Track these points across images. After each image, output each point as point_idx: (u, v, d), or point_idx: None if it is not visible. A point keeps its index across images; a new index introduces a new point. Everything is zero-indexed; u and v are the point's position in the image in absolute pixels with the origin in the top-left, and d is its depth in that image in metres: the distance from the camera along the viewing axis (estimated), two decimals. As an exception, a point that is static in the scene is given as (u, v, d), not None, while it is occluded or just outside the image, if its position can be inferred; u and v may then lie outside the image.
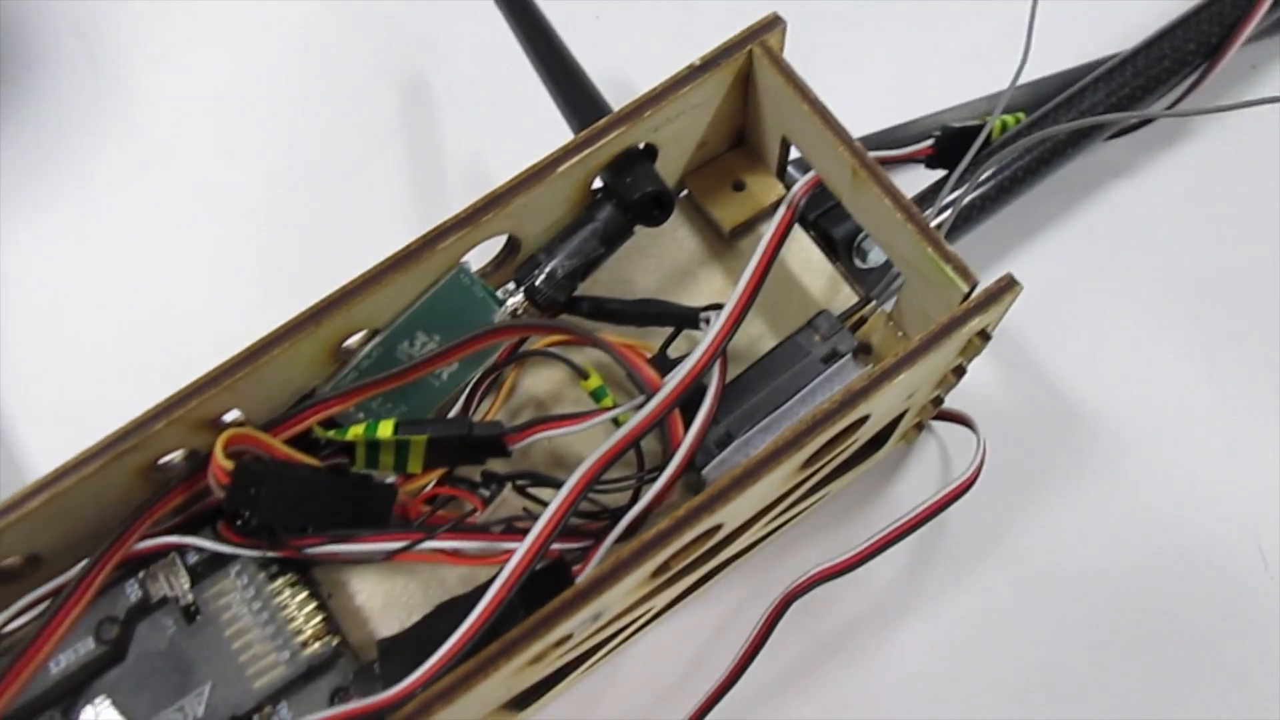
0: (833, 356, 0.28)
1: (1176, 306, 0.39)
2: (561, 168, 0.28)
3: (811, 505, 0.34)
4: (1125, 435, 0.37)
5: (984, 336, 0.27)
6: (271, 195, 0.42)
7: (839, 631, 0.35)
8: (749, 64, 0.29)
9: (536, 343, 0.30)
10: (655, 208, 0.29)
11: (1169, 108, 0.38)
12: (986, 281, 0.26)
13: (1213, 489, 0.36)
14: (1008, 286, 0.26)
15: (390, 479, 0.29)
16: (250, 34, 0.45)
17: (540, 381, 0.32)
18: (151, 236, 0.42)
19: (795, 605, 0.31)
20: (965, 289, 0.26)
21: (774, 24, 0.29)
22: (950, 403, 0.34)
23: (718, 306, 0.28)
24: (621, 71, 0.42)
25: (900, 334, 0.31)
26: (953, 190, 0.33)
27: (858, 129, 0.40)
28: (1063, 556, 0.36)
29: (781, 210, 0.29)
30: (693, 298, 0.32)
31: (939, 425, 0.37)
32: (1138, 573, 0.35)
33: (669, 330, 0.30)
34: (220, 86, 0.44)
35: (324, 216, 0.42)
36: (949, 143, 0.36)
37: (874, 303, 0.30)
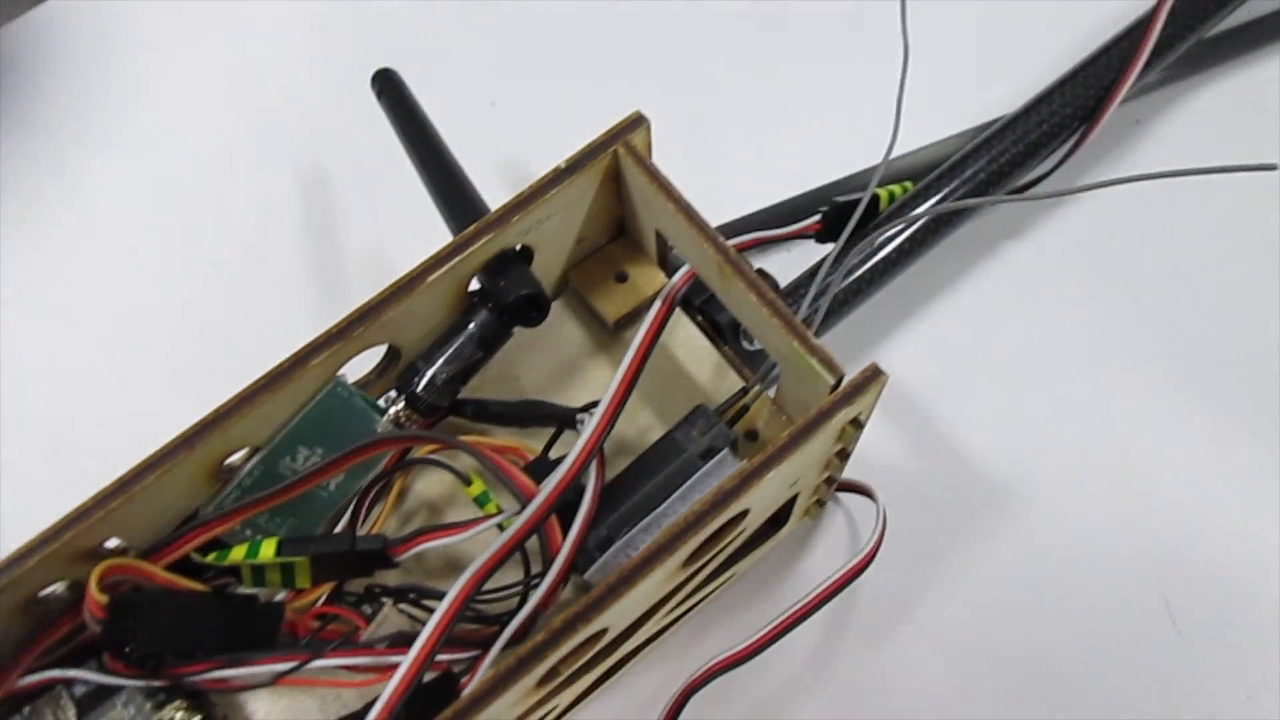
0: (710, 452, 0.28)
1: (1074, 363, 0.39)
2: (430, 278, 0.28)
3: (719, 587, 0.34)
4: (1029, 494, 0.37)
5: (856, 425, 0.27)
6: (175, 298, 0.42)
7: (752, 714, 0.35)
8: (616, 162, 0.29)
9: (419, 450, 0.30)
10: (531, 309, 0.29)
11: (1048, 171, 0.39)
12: (865, 363, 0.26)
13: (1118, 547, 0.36)
14: (873, 377, 0.26)
15: (280, 595, 0.28)
16: (149, 136, 0.45)
17: (432, 485, 0.31)
18: (53, 346, 0.42)
19: (705, 690, 0.31)
20: (832, 381, 0.26)
21: (637, 123, 0.29)
22: (854, 470, 0.34)
23: (596, 404, 0.28)
24: (519, 157, 0.43)
25: (784, 418, 0.31)
26: (833, 267, 0.34)
27: (758, 201, 0.41)
28: (972, 619, 0.36)
29: (657, 304, 0.29)
30: (579, 391, 0.32)
31: (844, 495, 0.37)
32: (1047, 632, 0.35)
33: (554, 428, 0.30)
34: (120, 190, 0.44)
35: (230, 318, 0.42)
36: (836, 217, 0.36)
37: (757, 389, 0.31)
